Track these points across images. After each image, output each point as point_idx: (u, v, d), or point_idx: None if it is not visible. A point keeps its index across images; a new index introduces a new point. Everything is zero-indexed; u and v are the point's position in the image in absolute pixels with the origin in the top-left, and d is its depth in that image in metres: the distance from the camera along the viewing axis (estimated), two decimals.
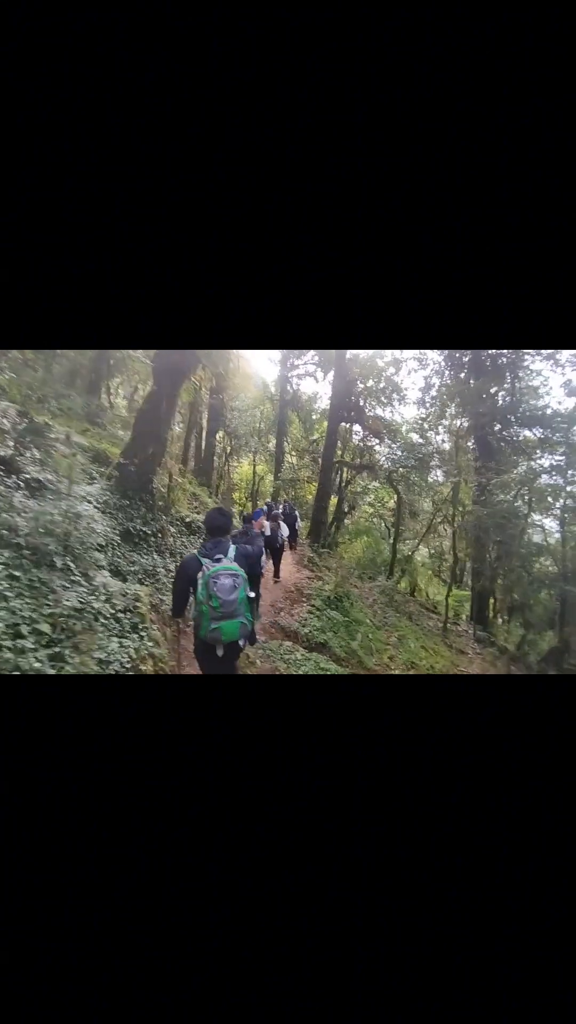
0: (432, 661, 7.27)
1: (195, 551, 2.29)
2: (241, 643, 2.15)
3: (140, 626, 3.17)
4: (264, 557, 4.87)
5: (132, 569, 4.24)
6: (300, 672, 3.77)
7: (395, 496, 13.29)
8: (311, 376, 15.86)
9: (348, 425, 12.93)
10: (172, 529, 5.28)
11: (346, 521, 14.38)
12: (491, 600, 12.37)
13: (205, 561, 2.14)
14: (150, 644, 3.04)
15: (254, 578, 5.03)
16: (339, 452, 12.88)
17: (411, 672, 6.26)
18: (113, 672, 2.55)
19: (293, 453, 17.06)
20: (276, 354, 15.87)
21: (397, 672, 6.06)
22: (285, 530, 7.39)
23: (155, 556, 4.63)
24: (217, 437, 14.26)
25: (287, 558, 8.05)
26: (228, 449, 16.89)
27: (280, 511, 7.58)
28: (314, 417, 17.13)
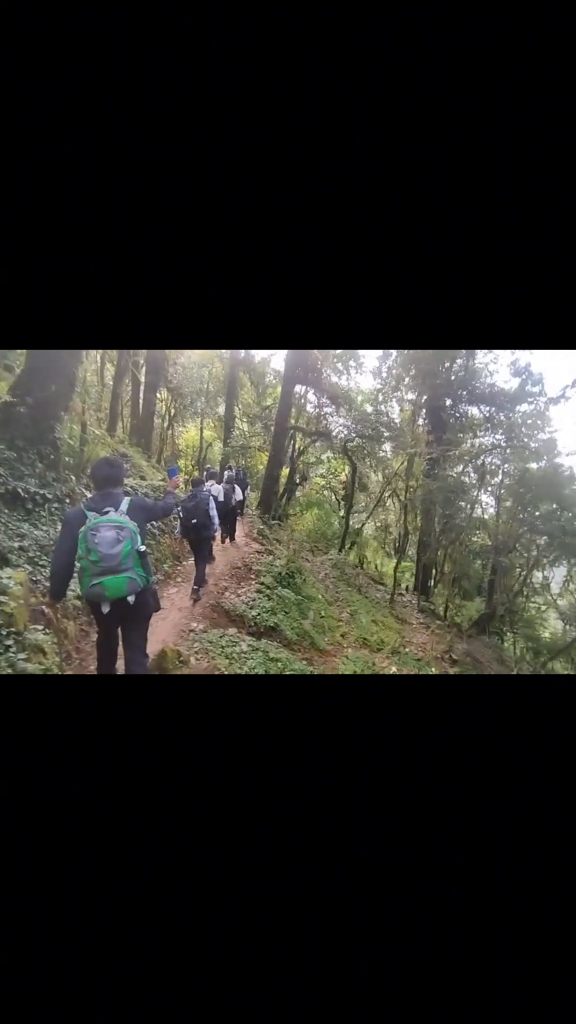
0: (383, 635, 7.15)
1: (81, 504, 2.12)
2: (130, 599, 1.97)
3: (5, 631, 2.39)
4: (213, 520, 4.46)
5: (18, 545, 3.24)
6: (247, 668, 3.31)
7: (347, 468, 12.96)
8: None
9: (303, 390, 12.39)
10: (88, 495, 3.78)
11: (297, 493, 13.93)
12: (433, 571, 12.69)
13: (90, 515, 1.97)
14: (21, 656, 2.30)
15: (201, 542, 4.41)
16: (293, 419, 12.34)
17: (363, 650, 6.15)
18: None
19: (244, 419, 15.82)
20: None
21: (349, 650, 5.87)
22: (239, 493, 7.25)
23: (58, 527, 3.39)
24: (158, 395, 13.05)
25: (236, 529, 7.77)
26: (172, 411, 15.73)
27: (234, 474, 7.48)
28: (268, 380, 16.14)
